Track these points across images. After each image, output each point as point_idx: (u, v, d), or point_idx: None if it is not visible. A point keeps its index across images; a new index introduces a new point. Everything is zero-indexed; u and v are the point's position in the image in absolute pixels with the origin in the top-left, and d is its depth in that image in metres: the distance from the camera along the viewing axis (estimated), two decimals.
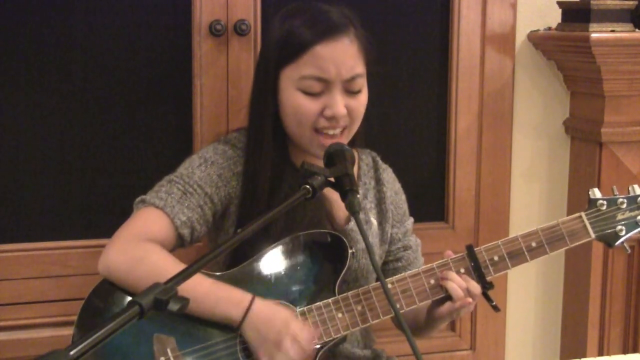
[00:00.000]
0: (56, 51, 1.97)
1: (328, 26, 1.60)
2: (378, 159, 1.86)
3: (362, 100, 1.66)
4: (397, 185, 1.87)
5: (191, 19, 2.02)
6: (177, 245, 1.63)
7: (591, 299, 2.28)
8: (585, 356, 2.28)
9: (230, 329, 1.53)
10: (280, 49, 1.62)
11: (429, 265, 1.61)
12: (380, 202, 1.80)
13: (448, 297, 1.58)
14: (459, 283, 1.57)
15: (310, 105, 1.61)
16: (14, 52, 1.95)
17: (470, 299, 1.58)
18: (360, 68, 1.63)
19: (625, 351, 2.33)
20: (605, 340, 2.31)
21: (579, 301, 2.33)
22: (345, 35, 1.61)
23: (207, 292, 1.51)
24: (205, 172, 1.66)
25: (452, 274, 1.58)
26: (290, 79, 1.62)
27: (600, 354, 2.30)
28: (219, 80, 2.04)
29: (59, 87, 1.99)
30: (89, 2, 1.97)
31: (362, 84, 1.65)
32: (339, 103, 1.60)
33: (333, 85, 1.60)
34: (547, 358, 2.46)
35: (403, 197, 1.87)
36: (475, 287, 1.58)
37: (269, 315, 1.50)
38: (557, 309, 2.44)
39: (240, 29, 2.02)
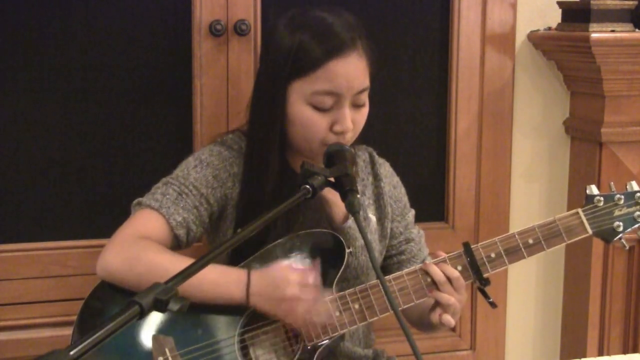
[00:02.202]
0: (56, 51, 1.97)
1: (338, 42, 1.60)
2: (375, 154, 1.86)
3: (365, 113, 1.67)
4: (396, 179, 1.87)
5: (191, 19, 2.02)
6: (174, 246, 1.64)
7: (591, 299, 2.28)
8: (585, 356, 2.28)
9: (230, 326, 1.54)
10: (292, 63, 1.61)
11: (426, 263, 1.62)
12: (378, 197, 1.80)
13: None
14: (439, 278, 1.58)
15: (320, 121, 1.61)
16: (14, 52, 1.95)
17: (455, 292, 1.59)
18: (367, 81, 1.65)
19: (625, 351, 2.33)
20: (605, 340, 2.31)
21: (579, 301, 2.33)
22: (355, 50, 1.61)
23: (207, 280, 1.52)
24: (201, 173, 1.67)
25: (432, 269, 1.59)
26: (300, 93, 1.61)
27: (600, 354, 2.30)
28: (219, 80, 2.04)
29: (59, 87, 1.99)
30: (88, 2, 1.97)
31: (367, 96, 1.66)
32: (348, 118, 1.62)
33: (344, 100, 1.61)
34: (547, 358, 2.46)
35: (402, 190, 1.87)
36: (453, 272, 1.58)
37: (267, 279, 1.53)
38: (557, 309, 2.44)
39: (240, 29, 2.02)
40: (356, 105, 1.64)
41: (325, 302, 1.55)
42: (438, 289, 1.58)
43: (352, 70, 1.60)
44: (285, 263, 1.57)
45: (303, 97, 1.61)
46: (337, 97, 1.60)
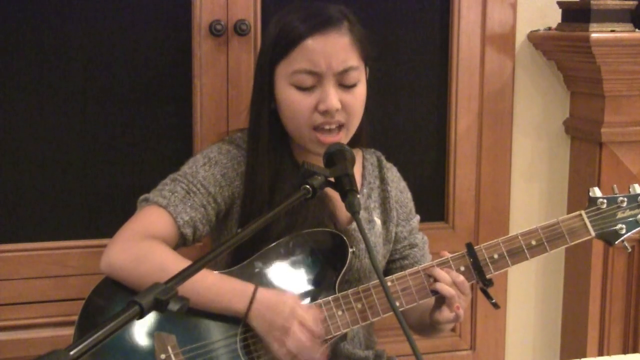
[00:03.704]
0: (56, 51, 1.97)
1: (320, 20, 1.60)
2: (382, 158, 1.86)
3: (358, 95, 1.65)
4: (402, 184, 1.87)
5: (191, 19, 2.02)
6: (179, 244, 1.64)
7: (591, 299, 2.28)
8: (585, 356, 2.28)
9: (232, 325, 1.54)
10: (274, 45, 1.63)
11: (428, 263, 1.62)
12: (384, 201, 1.80)
13: (443, 297, 1.59)
14: (445, 280, 1.57)
15: (304, 101, 1.61)
16: (14, 52, 1.95)
17: (462, 295, 1.59)
18: (354, 61, 1.62)
19: (625, 351, 2.33)
20: (605, 340, 2.31)
21: (579, 301, 2.33)
22: (336, 29, 1.61)
23: (210, 286, 1.52)
24: (209, 171, 1.66)
25: (437, 272, 1.58)
26: (283, 75, 1.62)
27: (600, 354, 2.30)
28: (219, 80, 2.04)
29: (59, 87, 1.99)
30: (89, 2, 1.97)
31: (358, 77, 1.64)
32: (332, 96, 1.60)
33: (325, 79, 1.60)
34: (547, 358, 2.46)
35: (409, 195, 1.87)
36: (457, 276, 1.58)
37: (274, 302, 1.51)
38: (557, 309, 2.44)
39: (240, 29, 2.02)
40: (344, 86, 1.62)
41: (317, 351, 1.52)
42: (441, 289, 1.58)
43: (331, 47, 1.59)
44: (297, 297, 1.55)
45: (286, 78, 1.62)
46: (317, 76, 1.60)
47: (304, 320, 1.50)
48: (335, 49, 1.60)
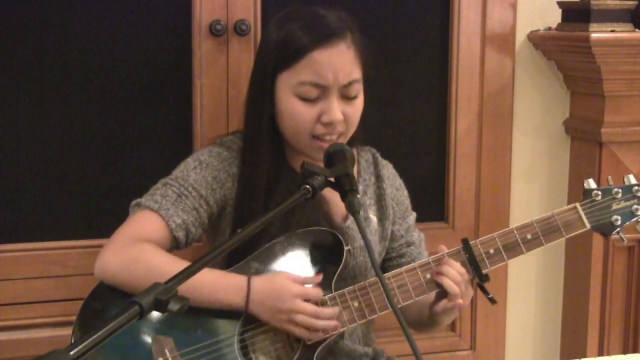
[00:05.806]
0: (56, 51, 1.97)
1: (325, 31, 1.60)
2: (378, 155, 1.86)
3: (358, 106, 1.66)
4: (398, 181, 1.87)
5: (191, 19, 2.02)
6: (172, 247, 1.64)
7: (591, 299, 2.28)
8: (585, 356, 2.28)
9: (229, 326, 1.55)
10: (277, 54, 1.62)
11: (424, 259, 1.63)
12: (380, 198, 1.80)
13: (445, 292, 1.59)
14: (454, 278, 1.58)
15: (307, 112, 1.61)
16: (14, 52, 1.95)
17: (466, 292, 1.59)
18: (357, 74, 1.64)
19: (625, 351, 2.33)
20: (605, 340, 2.31)
21: (579, 301, 2.33)
22: (342, 41, 1.61)
23: (209, 284, 1.53)
24: (200, 174, 1.67)
25: (447, 269, 1.58)
26: (287, 84, 1.62)
27: (600, 354, 2.30)
28: (219, 80, 2.04)
29: (59, 87, 1.99)
30: (89, 2, 1.97)
31: (359, 89, 1.65)
32: (336, 109, 1.61)
33: (330, 91, 1.61)
34: (547, 358, 2.46)
35: (405, 192, 1.87)
36: (459, 268, 1.59)
37: (269, 288, 1.54)
38: (557, 309, 2.44)
39: (240, 29, 2.02)
40: (346, 97, 1.63)
41: (327, 312, 1.55)
42: (445, 285, 1.58)
43: (337, 61, 1.60)
44: (288, 273, 1.57)
45: (289, 88, 1.62)
46: (322, 88, 1.60)
47: (303, 293, 1.53)
48: (342, 62, 1.61)
